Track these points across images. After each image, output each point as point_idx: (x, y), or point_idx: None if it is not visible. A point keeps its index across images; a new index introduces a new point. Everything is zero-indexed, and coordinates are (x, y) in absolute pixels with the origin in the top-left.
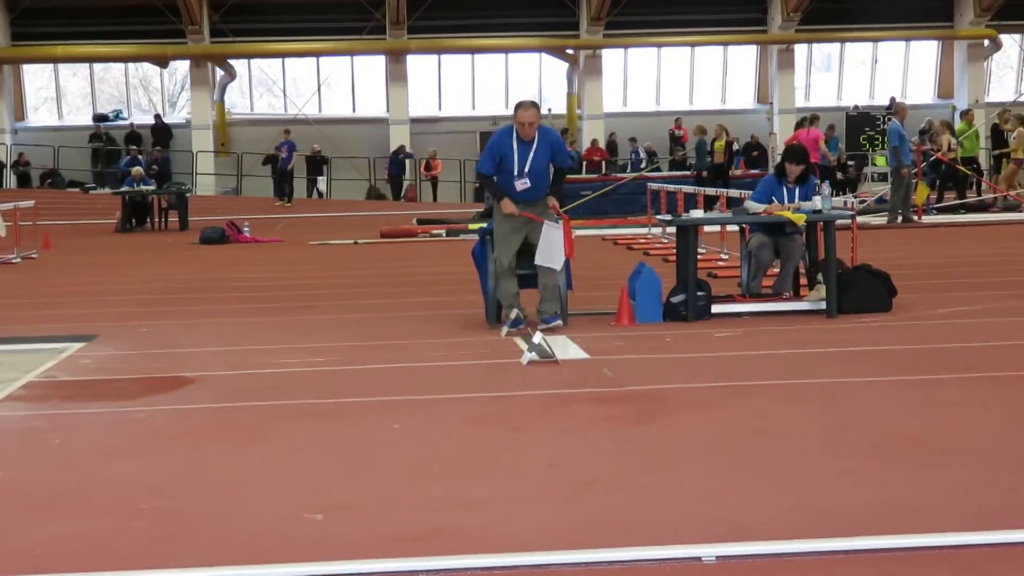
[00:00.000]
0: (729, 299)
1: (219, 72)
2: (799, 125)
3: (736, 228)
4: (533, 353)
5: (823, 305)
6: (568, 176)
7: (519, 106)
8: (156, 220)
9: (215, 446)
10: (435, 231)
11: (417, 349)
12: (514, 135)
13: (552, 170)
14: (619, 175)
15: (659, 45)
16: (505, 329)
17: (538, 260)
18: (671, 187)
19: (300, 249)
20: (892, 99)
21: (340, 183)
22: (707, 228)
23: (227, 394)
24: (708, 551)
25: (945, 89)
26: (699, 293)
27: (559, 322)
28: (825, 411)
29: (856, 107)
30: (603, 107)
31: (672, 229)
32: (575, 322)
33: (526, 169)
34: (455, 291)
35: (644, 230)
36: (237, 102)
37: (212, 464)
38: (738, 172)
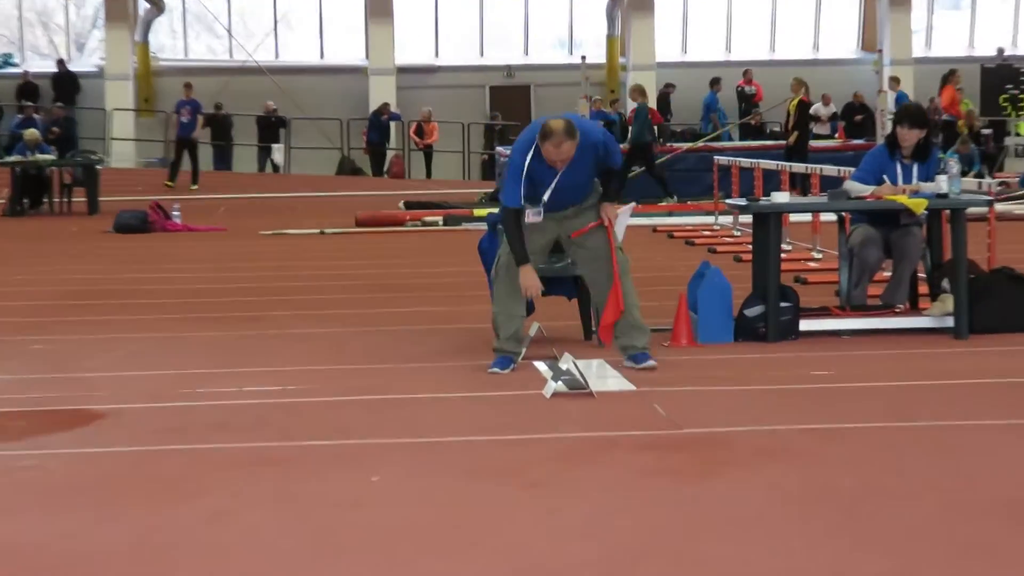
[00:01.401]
0: (823, 312)
1: (142, 4)
2: (946, 80)
3: (833, 218)
4: (559, 383)
5: (949, 322)
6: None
7: (547, 135)
8: (57, 200)
9: (133, 504)
10: (429, 218)
11: (404, 376)
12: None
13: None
14: (675, 145)
15: None
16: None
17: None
18: (745, 161)
19: (248, 241)
20: None
21: (303, 153)
22: (794, 217)
23: (149, 434)
24: None
25: None
26: (783, 304)
27: (653, 363)
28: (947, 464)
29: (1002, 52)
30: (655, 54)
31: (747, 218)
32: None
33: (546, 197)
34: (455, 298)
35: (709, 219)
36: (166, 44)
37: (128, 528)
38: (834, 143)
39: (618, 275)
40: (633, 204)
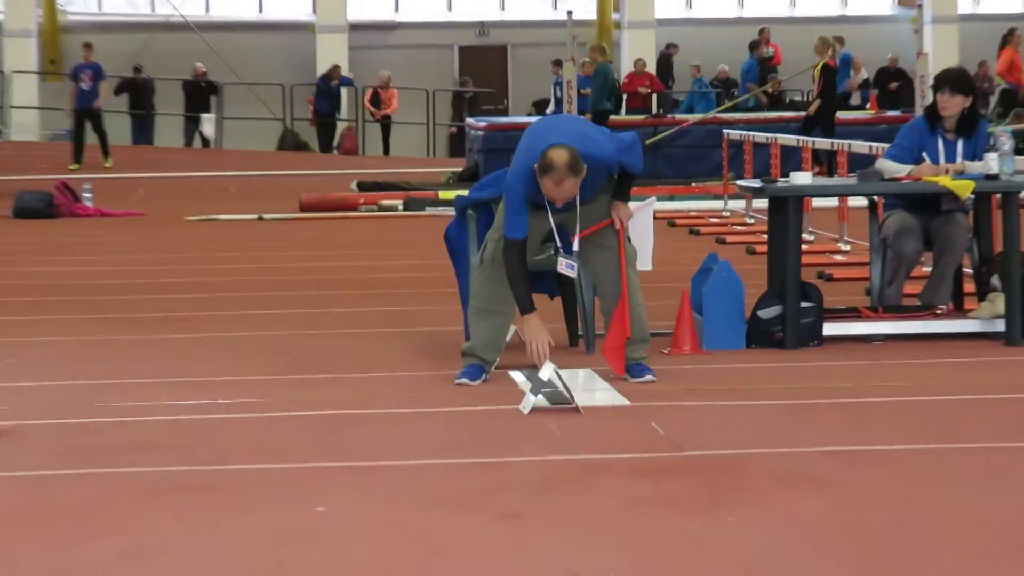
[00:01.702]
0: (852, 314)
1: None
2: (1005, 41)
3: (863, 203)
4: (539, 396)
5: (1000, 325)
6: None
7: (546, 168)
8: None
9: (32, 540)
10: (386, 202)
11: (356, 388)
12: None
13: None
14: (679, 117)
15: None
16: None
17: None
18: (760, 136)
19: (172, 228)
20: None
21: (238, 125)
22: (817, 202)
23: (54, 456)
24: None
25: None
26: (804, 304)
27: (651, 377)
28: (998, 493)
29: None
30: (654, 10)
31: (762, 202)
32: None
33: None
34: (417, 296)
35: (718, 203)
36: None
37: (27, 570)
38: (865, 114)
39: (627, 291)
40: (654, 199)
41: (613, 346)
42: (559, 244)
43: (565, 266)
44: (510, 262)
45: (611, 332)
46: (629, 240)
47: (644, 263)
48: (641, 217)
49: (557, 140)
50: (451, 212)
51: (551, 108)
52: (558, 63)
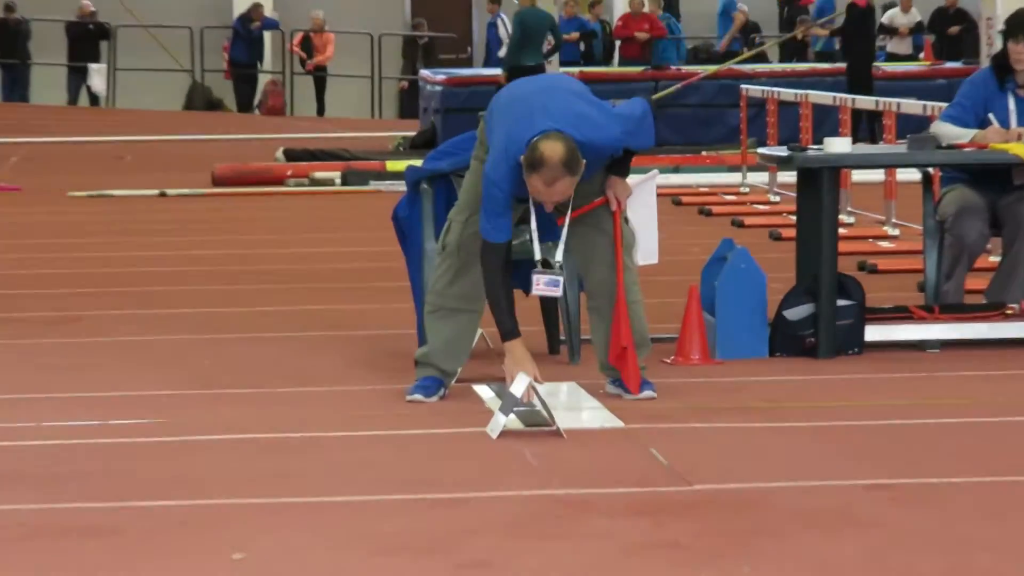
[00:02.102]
0: (901, 315)
1: None
2: None
3: (916, 176)
4: (512, 417)
5: None
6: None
7: (535, 164)
8: None
9: None
10: (321, 174)
11: (284, 405)
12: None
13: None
14: (686, 69)
15: None
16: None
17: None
18: (787, 93)
19: (54, 207)
20: None
21: (135, 78)
22: (858, 175)
23: None
24: None
25: None
26: (842, 303)
27: (651, 392)
28: None
29: None
30: None
31: (789, 175)
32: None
33: (534, 225)
34: (359, 292)
35: (734, 176)
36: None
37: None
38: (917, 66)
39: (623, 285)
40: (656, 172)
41: (618, 356)
42: (534, 228)
43: (544, 284)
44: (490, 271)
45: (614, 341)
46: (627, 221)
47: (648, 255)
48: (642, 195)
49: (549, 124)
50: (401, 187)
51: (482, 58)
52: None
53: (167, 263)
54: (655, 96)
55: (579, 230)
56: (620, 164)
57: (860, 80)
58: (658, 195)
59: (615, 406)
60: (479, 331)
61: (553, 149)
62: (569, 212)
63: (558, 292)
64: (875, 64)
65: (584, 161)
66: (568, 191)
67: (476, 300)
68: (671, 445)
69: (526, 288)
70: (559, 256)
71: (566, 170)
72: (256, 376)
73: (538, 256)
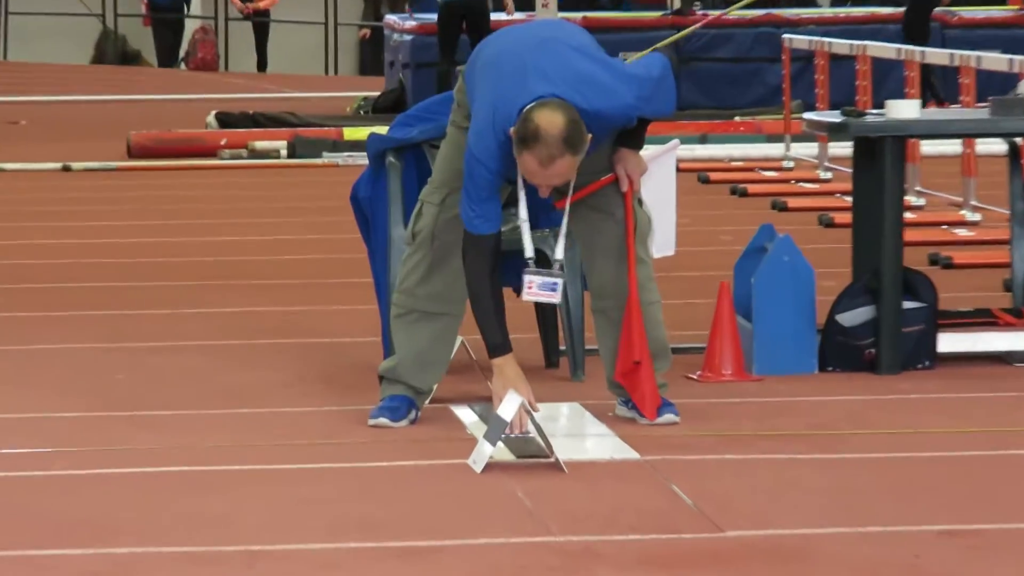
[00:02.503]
0: (983, 319)
1: None
2: None
3: (1001, 148)
4: (499, 445)
5: None
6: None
7: (529, 139)
8: None
9: None
10: (262, 143)
11: (218, 430)
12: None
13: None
14: (706, 12)
15: None
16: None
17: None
18: (840, 44)
19: None
20: None
21: (30, 24)
22: (927, 147)
23: None
24: None
25: None
26: (908, 305)
27: (672, 416)
28: None
29: None
30: None
31: (842, 147)
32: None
33: (523, 214)
34: (309, 291)
35: (774, 147)
36: None
37: None
38: (1002, 10)
39: (636, 282)
40: (676, 143)
41: (628, 371)
42: (524, 215)
43: (538, 287)
44: (474, 269)
45: (622, 352)
46: (641, 204)
47: (663, 245)
48: (658, 171)
49: (545, 89)
50: (362, 160)
51: None
52: None
53: (72, 254)
54: (671, 40)
55: (582, 214)
56: (633, 134)
57: (914, 27)
58: (678, 170)
59: (627, 433)
60: (459, 339)
61: (551, 122)
62: (570, 193)
63: (556, 298)
64: (946, 8)
65: (589, 135)
66: (569, 173)
67: (455, 302)
68: (697, 481)
69: (517, 287)
70: (559, 252)
71: (567, 147)
72: (180, 395)
73: (530, 251)
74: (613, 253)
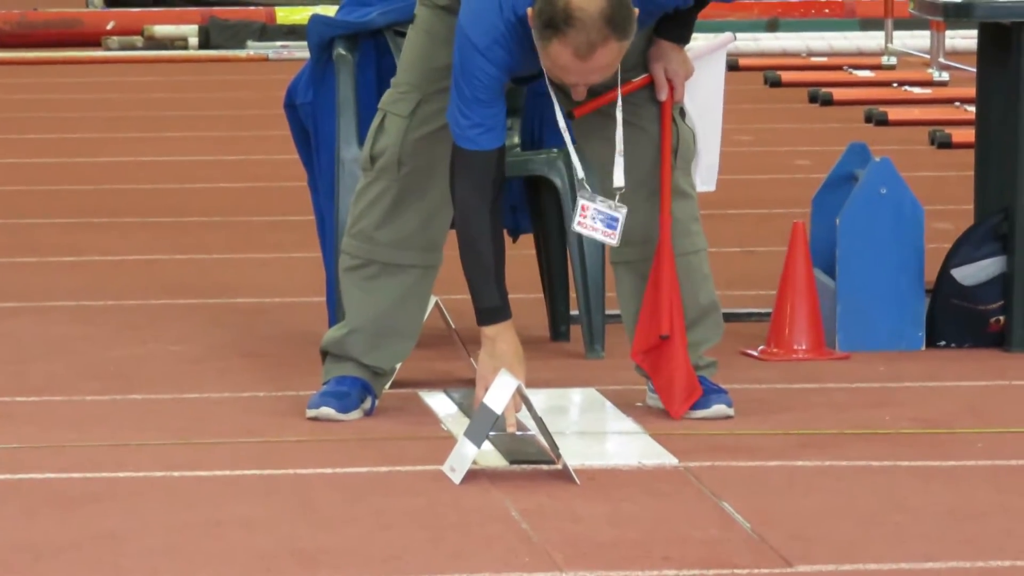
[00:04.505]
0: None
1: None
2: None
3: None
4: (486, 446)
5: None
6: None
7: (561, 23)
8: None
9: None
10: (163, 29)
11: (110, 423)
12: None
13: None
14: None
15: None
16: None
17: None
18: None
19: None
20: None
21: None
22: None
23: None
24: None
25: None
26: None
27: (724, 407)
28: None
29: None
30: None
31: (962, 39)
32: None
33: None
34: (228, 231)
35: (870, 39)
36: None
37: None
38: None
39: (668, 222)
40: (730, 36)
41: (647, 348)
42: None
43: (594, 216)
44: (468, 201)
45: (643, 317)
46: (683, 116)
47: (703, 178)
48: (705, 76)
49: None
50: (301, 53)
51: None
52: None
53: None
54: None
55: (601, 128)
56: (680, 21)
57: None
58: (736, 68)
59: (662, 430)
60: (432, 299)
61: (577, 7)
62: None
63: (614, 239)
64: None
65: (637, 10)
66: (613, 64)
67: (428, 249)
68: (757, 498)
69: (512, 227)
70: (580, 172)
71: (611, 30)
72: (48, 374)
73: (582, 172)
74: (644, 183)
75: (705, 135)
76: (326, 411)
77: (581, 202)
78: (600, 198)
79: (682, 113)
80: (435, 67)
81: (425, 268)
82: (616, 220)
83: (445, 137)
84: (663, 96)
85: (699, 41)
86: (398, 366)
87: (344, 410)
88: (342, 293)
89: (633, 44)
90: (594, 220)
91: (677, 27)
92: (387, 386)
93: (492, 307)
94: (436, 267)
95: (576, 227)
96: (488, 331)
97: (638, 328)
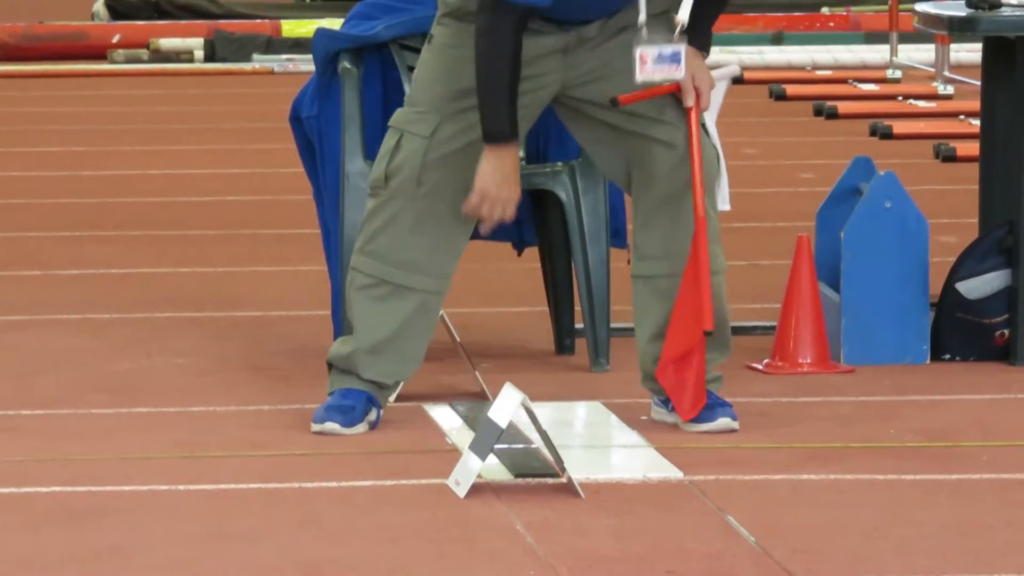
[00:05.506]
0: None
1: None
2: None
3: None
4: (491, 459)
5: None
6: None
7: None
8: None
9: None
10: (169, 42)
11: (111, 436)
12: None
13: None
14: None
15: None
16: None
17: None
18: None
19: None
20: None
21: None
22: None
23: None
24: None
25: None
26: None
27: (728, 420)
28: None
29: None
30: None
31: (969, 49)
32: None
33: None
34: (233, 244)
35: (875, 51)
36: None
37: None
38: None
39: (705, 240)
40: (735, 68)
41: (676, 357)
42: None
43: (655, 60)
44: (498, 32)
45: (673, 329)
46: (706, 133)
47: (722, 197)
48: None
49: None
50: (307, 66)
51: None
52: None
53: None
54: None
55: (623, 133)
56: (701, 30)
57: None
58: (742, 82)
59: (667, 443)
60: (439, 314)
61: None
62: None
63: (679, 73)
64: None
65: None
66: None
67: (439, 276)
68: (762, 511)
69: (517, 239)
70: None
71: None
72: (54, 388)
73: (643, 14)
74: (666, 199)
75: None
76: (331, 426)
77: (639, 51)
78: (656, 40)
79: (704, 129)
80: (456, 88)
81: (435, 293)
82: (679, 53)
83: (464, 158)
84: (690, 102)
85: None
86: (402, 381)
87: (349, 424)
88: (351, 310)
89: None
90: (656, 63)
91: (700, 35)
92: (392, 398)
93: (499, 130)
94: (444, 293)
95: (640, 77)
96: (492, 149)
97: (668, 336)
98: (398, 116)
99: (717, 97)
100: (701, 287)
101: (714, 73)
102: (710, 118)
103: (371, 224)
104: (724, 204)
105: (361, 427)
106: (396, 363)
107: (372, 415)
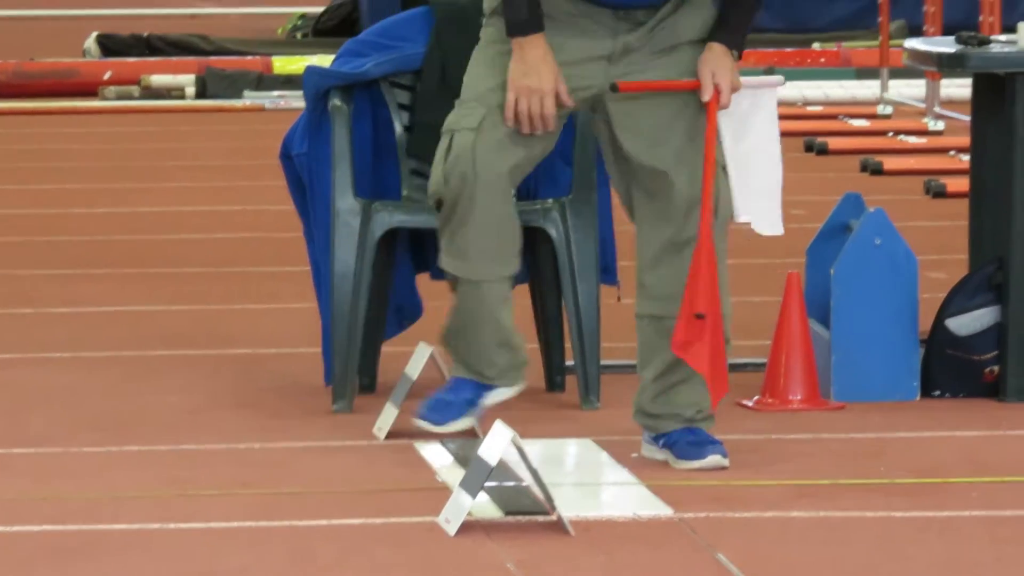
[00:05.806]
0: None
1: None
2: None
3: None
4: (481, 496)
5: None
6: None
7: None
8: None
9: None
10: (160, 78)
11: (102, 473)
12: None
13: None
14: None
15: None
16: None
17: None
18: None
19: None
20: None
21: None
22: None
23: None
24: None
25: None
26: None
27: (719, 457)
28: None
29: None
30: None
31: (958, 87)
32: (628, 387)
33: None
34: (224, 282)
35: (866, 87)
36: None
37: None
38: None
39: (709, 218)
40: (780, 79)
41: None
42: None
43: None
44: None
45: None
46: (724, 175)
47: (770, 221)
48: (756, 115)
49: None
50: (298, 103)
51: None
52: None
53: None
54: None
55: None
56: (731, 26)
57: None
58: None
59: (658, 481)
60: (428, 351)
61: None
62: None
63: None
64: None
65: None
66: None
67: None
68: (753, 549)
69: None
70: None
71: None
72: (45, 425)
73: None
74: (673, 234)
75: (759, 180)
76: (423, 424)
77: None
78: None
79: (724, 172)
80: (500, 81)
81: (506, 279)
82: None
83: (510, 146)
84: (707, 96)
85: (747, 77)
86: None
87: (440, 422)
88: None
89: (687, 47)
90: None
91: (728, 32)
92: (519, 383)
93: (522, 20)
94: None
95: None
96: (519, 41)
97: (680, 316)
98: (448, 119)
99: (770, 105)
100: (699, 280)
101: (754, 80)
102: (767, 143)
103: (447, 228)
104: (774, 228)
105: (464, 421)
106: (502, 353)
107: (473, 412)
